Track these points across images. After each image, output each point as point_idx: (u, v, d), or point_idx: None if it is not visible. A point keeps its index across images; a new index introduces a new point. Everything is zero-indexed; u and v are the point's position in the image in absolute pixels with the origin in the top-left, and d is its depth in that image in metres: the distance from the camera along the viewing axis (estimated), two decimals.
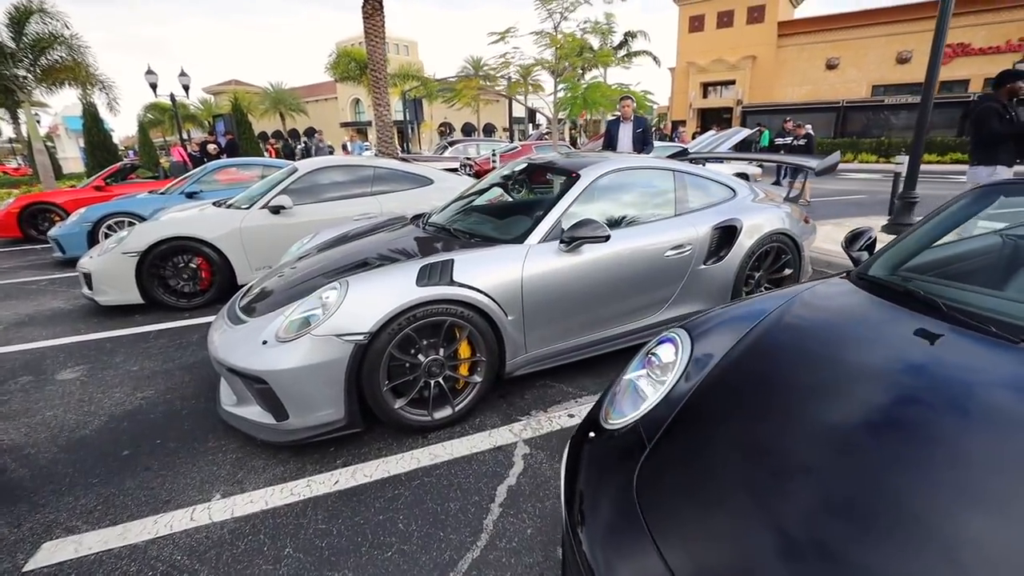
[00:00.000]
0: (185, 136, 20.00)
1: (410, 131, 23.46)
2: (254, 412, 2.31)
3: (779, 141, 11.48)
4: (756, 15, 27.82)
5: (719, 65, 29.37)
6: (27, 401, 2.94)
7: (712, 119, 29.60)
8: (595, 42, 28.58)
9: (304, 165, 4.91)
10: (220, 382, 2.62)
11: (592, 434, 1.48)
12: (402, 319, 2.26)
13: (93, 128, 14.94)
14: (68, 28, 11.24)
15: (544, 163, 3.45)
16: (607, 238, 2.61)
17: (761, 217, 3.44)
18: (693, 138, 23.06)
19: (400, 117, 46.61)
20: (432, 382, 2.44)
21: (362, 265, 2.66)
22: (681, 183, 3.34)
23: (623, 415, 1.47)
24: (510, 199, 3.71)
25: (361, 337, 2.19)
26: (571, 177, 2.98)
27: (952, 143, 20.24)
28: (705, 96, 31.14)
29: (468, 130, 51.13)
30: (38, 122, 25.09)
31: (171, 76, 17.63)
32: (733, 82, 29.16)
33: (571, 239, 2.63)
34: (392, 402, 2.36)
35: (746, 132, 11.27)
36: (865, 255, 2.15)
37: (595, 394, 2.81)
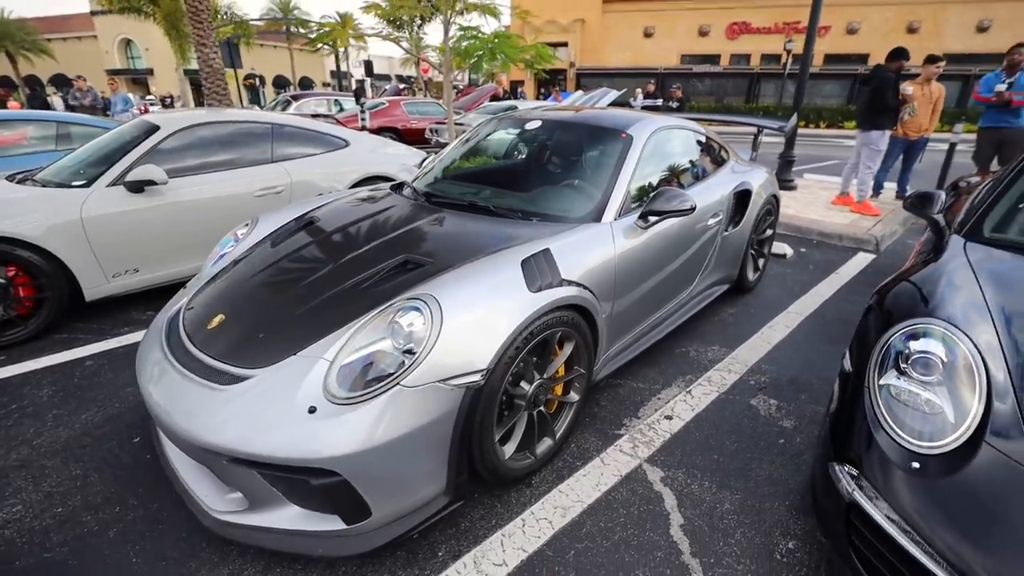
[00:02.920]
0: None
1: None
2: (291, 517, 1.45)
3: (646, 103, 12.15)
4: None
5: (552, 26, 30.01)
6: None
7: (548, 81, 30.53)
8: None
9: (170, 121, 3.44)
10: (181, 469, 1.63)
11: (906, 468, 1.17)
12: (518, 341, 1.60)
13: None
14: None
15: (570, 119, 2.85)
16: (692, 209, 2.22)
17: (761, 180, 3.39)
18: (540, 98, 23.48)
19: (193, 66, 39.02)
20: (534, 413, 1.83)
21: (403, 267, 1.83)
22: (705, 146, 3.09)
23: (922, 435, 1.22)
24: (511, 162, 3.03)
25: (477, 377, 1.49)
26: (620, 138, 2.48)
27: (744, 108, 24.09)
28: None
29: (281, 83, 44.82)
30: None
31: None
32: (566, 44, 30.25)
33: (653, 213, 2.17)
34: (502, 452, 1.70)
35: (615, 93, 11.75)
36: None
37: (669, 386, 2.47)
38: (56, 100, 17.34)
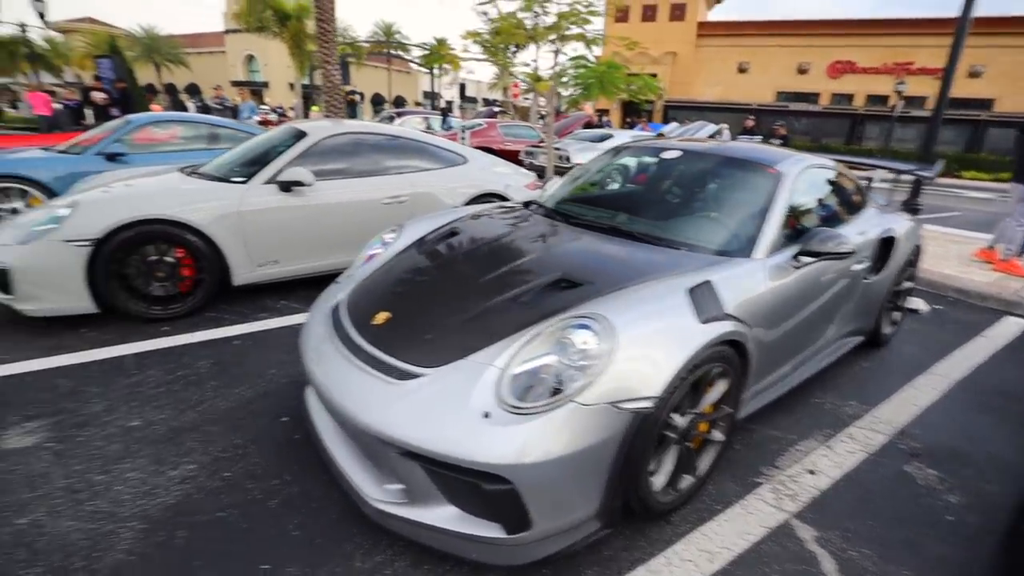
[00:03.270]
0: (53, 82, 15.74)
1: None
2: (450, 517, 1.48)
3: (744, 139, 11.79)
4: (678, 13, 28.93)
5: (643, 58, 30.14)
6: None
7: (633, 110, 30.52)
8: (528, 22, 27.85)
9: (316, 129, 3.77)
10: (338, 454, 1.72)
11: None
12: (687, 370, 1.57)
13: None
14: None
15: (711, 151, 2.82)
16: (851, 253, 2.10)
17: (906, 227, 3.17)
18: (625, 127, 23.47)
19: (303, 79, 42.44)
20: (682, 448, 1.78)
21: (558, 284, 1.86)
22: (849, 187, 2.94)
23: None
24: (646, 189, 3.03)
25: (647, 403, 1.47)
26: (769, 173, 2.41)
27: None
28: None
29: (378, 100, 47.88)
30: None
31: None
32: (655, 76, 30.21)
33: (809, 254, 2.08)
34: (652, 484, 1.66)
35: (712, 127, 11.48)
36: None
37: (807, 438, 2.32)
38: (189, 105, 19.56)
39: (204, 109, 17.67)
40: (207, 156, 5.41)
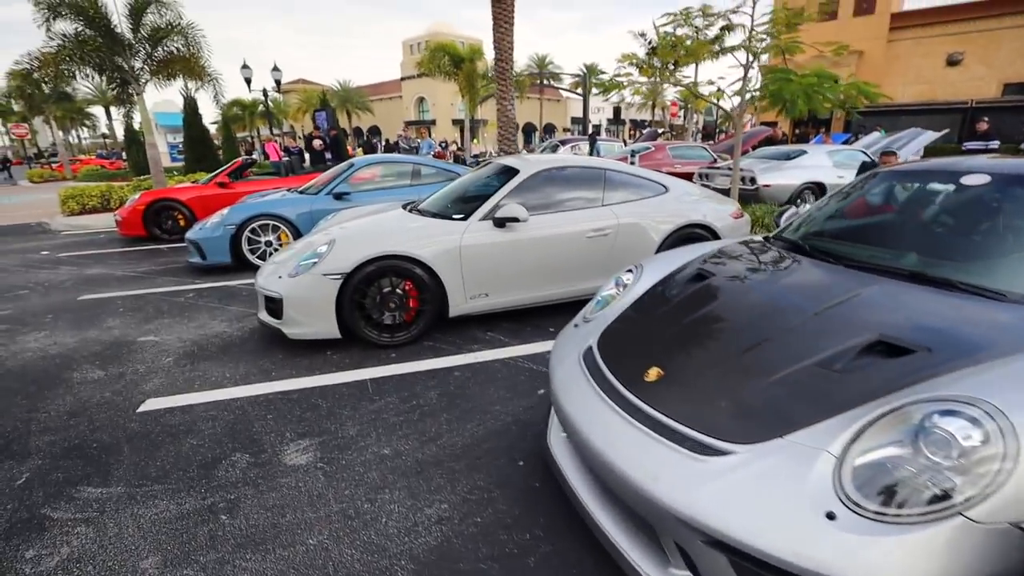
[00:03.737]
0: (275, 132, 19.70)
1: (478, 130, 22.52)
2: None
3: (973, 146, 9.68)
4: (865, 6, 25.29)
5: (819, 61, 27.01)
6: (265, 511, 1.98)
7: (806, 120, 27.31)
8: (687, 39, 26.81)
9: (526, 165, 3.86)
10: (603, 519, 1.56)
11: None
12: None
13: (193, 122, 14.77)
14: (182, 18, 10.89)
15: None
16: None
17: None
18: (796, 139, 21.06)
19: (461, 116, 46.08)
20: None
21: (874, 349, 1.50)
22: None
23: None
24: (933, 222, 2.48)
25: None
26: None
27: None
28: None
29: (528, 129, 50.11)
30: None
31: (237, 75, 17.11)
32: (836, 80, 26.73)
33: None
34: None
35: (931, 135, 9.59)
36: None
37: None
38: (378, 146, 22.50)
39: (389, 148, 20.24)
40: (415, 192, 6.01)
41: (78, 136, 49.87)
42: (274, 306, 3.31)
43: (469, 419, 2.58)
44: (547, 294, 3.80)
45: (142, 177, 17.76)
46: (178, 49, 10.51)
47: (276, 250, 5.61)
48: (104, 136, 48.60)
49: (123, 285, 5.26)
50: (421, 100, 48.62)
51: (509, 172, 3.88)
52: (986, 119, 10.17)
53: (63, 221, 9.74)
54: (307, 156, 12.16)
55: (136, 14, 10.37)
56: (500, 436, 2.43)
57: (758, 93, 7.13)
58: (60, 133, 28.29)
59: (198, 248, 5.45)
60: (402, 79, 48.78)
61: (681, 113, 35.21)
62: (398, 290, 3.40)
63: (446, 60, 18.75)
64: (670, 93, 30.45)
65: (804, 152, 8.45)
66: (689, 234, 4.06)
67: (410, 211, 4.03)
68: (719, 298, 2.03)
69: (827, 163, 8.16)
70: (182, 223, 7.57)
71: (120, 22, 10.31)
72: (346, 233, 3.52)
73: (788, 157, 8.49)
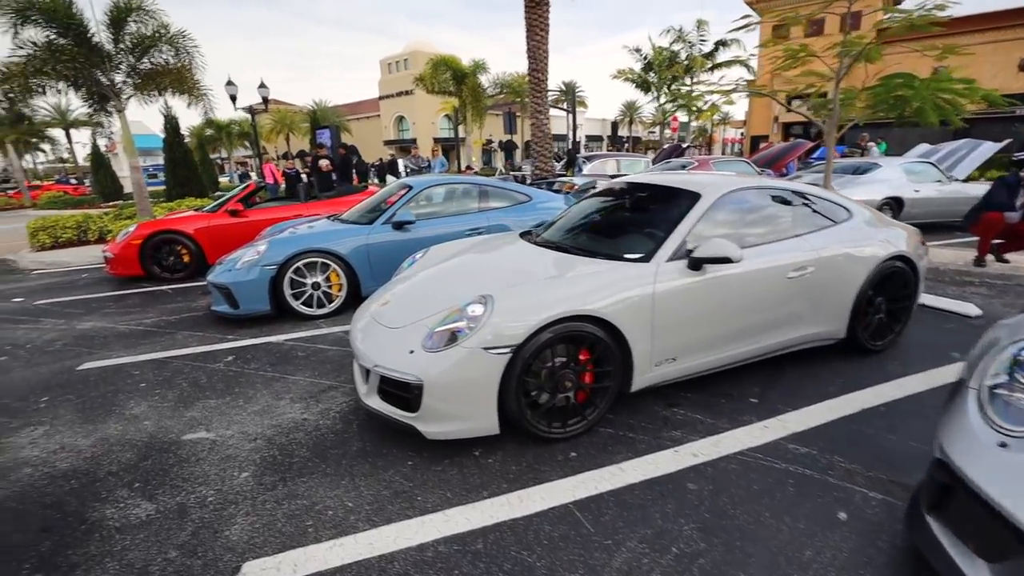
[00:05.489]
0: (266, 154, 18.28)
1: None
2: None
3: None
4: (853, 22, 25.84)
5: (810, 76, 27.38)
6: None
7: (803, 132, 27.62)
8: (682, 53, 26.83)
9: (710, 187, 2.96)
10: None
11: None
12: None
13: (175, 143, 13.45)
14: (168, 27, 9.72)
15: None
16: None
17: None
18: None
19: (444, 134, 45.15)
20: None
21: None
22: None
23: None
24: None
25: None
26: None
27: None
28: (789, 110, 29.10)
29: (509, 147, 49.60)
30: (108, 138, 24.02)
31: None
32: (824, 95, 27.09)
33: None
34: None
35: (992, 145, 9.13)
36: None
37: None
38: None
39: (381, 168, 19.18)
40: (484, 218, 5.05)
41: (33, 160, 46.89)
42: (403, 393, 2.30)
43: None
44: (739, 353, 2.90)
45: (116, 203, 16.22)
46: (167, 61, 9.34)
47: (326, 294, 4.55)
48: (62, 160, 45.89)
49: (133, 345, 4.11)
50: (401, 119, 47.66)
51: (677, 196, 2.99)
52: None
53: (33, 258, 8.34)
54: (303, 179, 11.04)
55: (117, 23, 9.19)
56: None
57: (857, 102, 6.50)
58: (14, 157, 26.10)
59: (227, 294, 4.35)
60: (380, 98, 47.77)
61: (657, 129, 35.27)
62: (572, 362, 2.43)
63: (448, 75, 17.94)
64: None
65: (877, 166, 7.87)
66: (891, 270, 3.24)
67: (539, 244, 3.09)
68: None
69: (902, 177, 7.59)
70: (186, 259, 6.41)
71: (99, 31, 9.11)
72: (499, 285, 2.53)
73: (858, 171, 7.90)
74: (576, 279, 2.57)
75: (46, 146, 40.54)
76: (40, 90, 9.07)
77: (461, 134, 26.56)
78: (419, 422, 2.29)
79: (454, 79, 18.07)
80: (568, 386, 2.42)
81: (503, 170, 18.60)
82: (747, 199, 3.05)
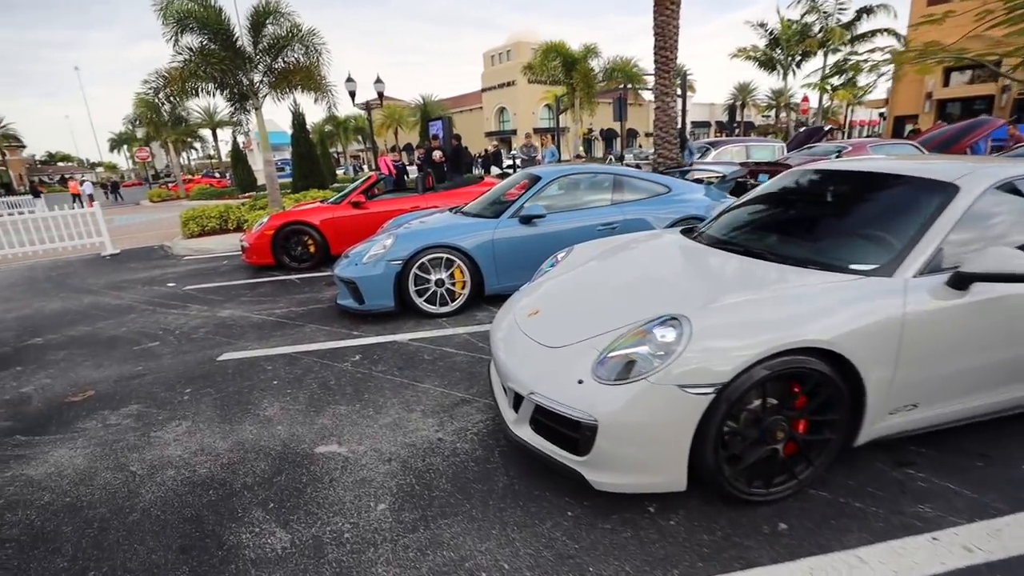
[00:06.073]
0: (387, 148, 19.27)
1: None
2: None
3: None
4: None
5: (975, 43, 23.04)
6: None
7: (961, 111, 23.47)
8: (816, 26, 23.87)
9: (968, 176, 2.19)
10: None
11: None
12: None
13: (301, 138, 14.38)
14: (300, 28, 10.28)
15: None
16: None
17: None
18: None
19: (543, 124, 44.57)
20: None
21: None
22: None
23: None
24: None
25: None
26: None
27: None
28: (946, 84, 24.83)
29: (609, 136, 47.92)
30: (246, 135, 26.76)
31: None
32: (998, 63, 22.66)
33: None
34: None
35: None
36: None
37: None
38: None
39: (486, 159, 19.22)
40: (619, 211, 4.52)
41: (187, 158, 54.00)
42: (568, 431, 1.87)
43: None
44: (1004, 401, 2.12)
45: (251, 194, 17.88)
46: (298, 60, 9.84)
47: (449, 291, 4.31)
48: (210, 156, 52.25)
49: (265, 337, 4.15)
50: (502, 110, 48.04)
51: (917, 188, 2.24)
52: None
53: (184, 244, 9.26)
54: (408, 172, 11.18)
55: (256, 26, 9.84)
56: None
57: None
58: (174, 155, 30.02)
59: (353, 289, 4.25)
60: (483, 90, 48.49)
61: (772, 112, 31.73)
62: (786, 406, 1.84)
63: (557, 63, 17.43)
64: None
65: None
66: None
67: (713, 245, 2.51)
68: None
69: None
70: (312, 249, 6.60)
71: (241, 35, 9.82)
72: (686, 301, 2.00)
73: None
74: (792, 297, 1.95)
75: (197, 144, 46.45)
76: (194, 92, 9.99)
77: (565, 123, 25.95)
78: (587, 468, 1.85)
79: (563, 66, 17.50)
80: (780, 436, 1.84)
81: (611, 159, 17.76)
82: (1014, 193, 2.20)
